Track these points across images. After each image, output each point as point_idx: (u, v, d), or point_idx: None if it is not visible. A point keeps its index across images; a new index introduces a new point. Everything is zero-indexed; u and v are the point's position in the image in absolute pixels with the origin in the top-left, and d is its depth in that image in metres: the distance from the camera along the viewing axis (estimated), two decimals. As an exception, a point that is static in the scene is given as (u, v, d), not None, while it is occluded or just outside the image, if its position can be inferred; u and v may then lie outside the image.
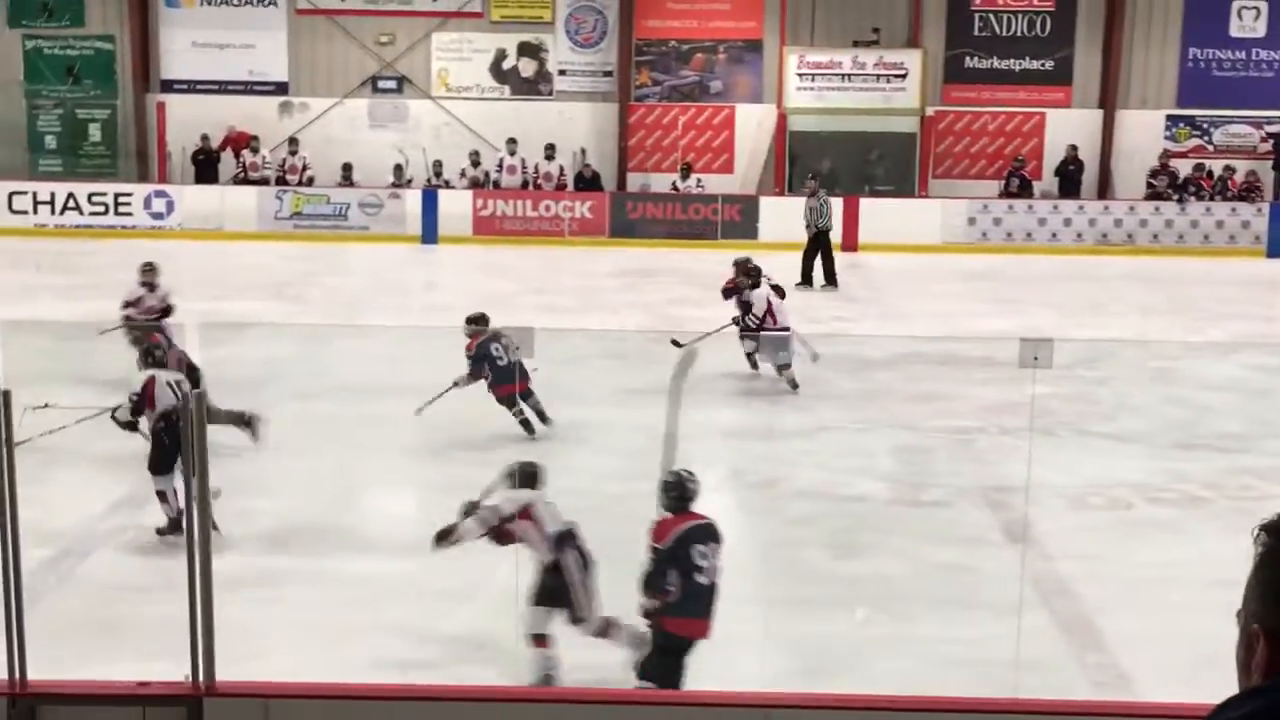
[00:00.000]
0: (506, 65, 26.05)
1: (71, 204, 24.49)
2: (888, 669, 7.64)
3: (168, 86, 26.13)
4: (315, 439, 12.12)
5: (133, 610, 8.35)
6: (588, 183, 25.15)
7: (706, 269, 20.94)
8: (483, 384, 11.93)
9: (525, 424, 11.93)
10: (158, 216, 24.49)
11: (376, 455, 11.75)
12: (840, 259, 22.34)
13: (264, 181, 24.99)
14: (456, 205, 24.09)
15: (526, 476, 8.07)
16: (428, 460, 11.75)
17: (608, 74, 25.95)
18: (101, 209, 24.43)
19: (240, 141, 25.55)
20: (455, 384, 11.91)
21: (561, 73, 26.03)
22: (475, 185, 24.90)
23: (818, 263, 20.71)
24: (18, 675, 5.83)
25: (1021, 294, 20.22)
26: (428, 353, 14.00)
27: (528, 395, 11.93)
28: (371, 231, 23.94)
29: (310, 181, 24.93)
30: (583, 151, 25.58)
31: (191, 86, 26.06)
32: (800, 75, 25.41)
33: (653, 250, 23.29)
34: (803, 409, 12.68)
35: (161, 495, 9.33)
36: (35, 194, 24.61)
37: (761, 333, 13.80)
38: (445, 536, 7.98)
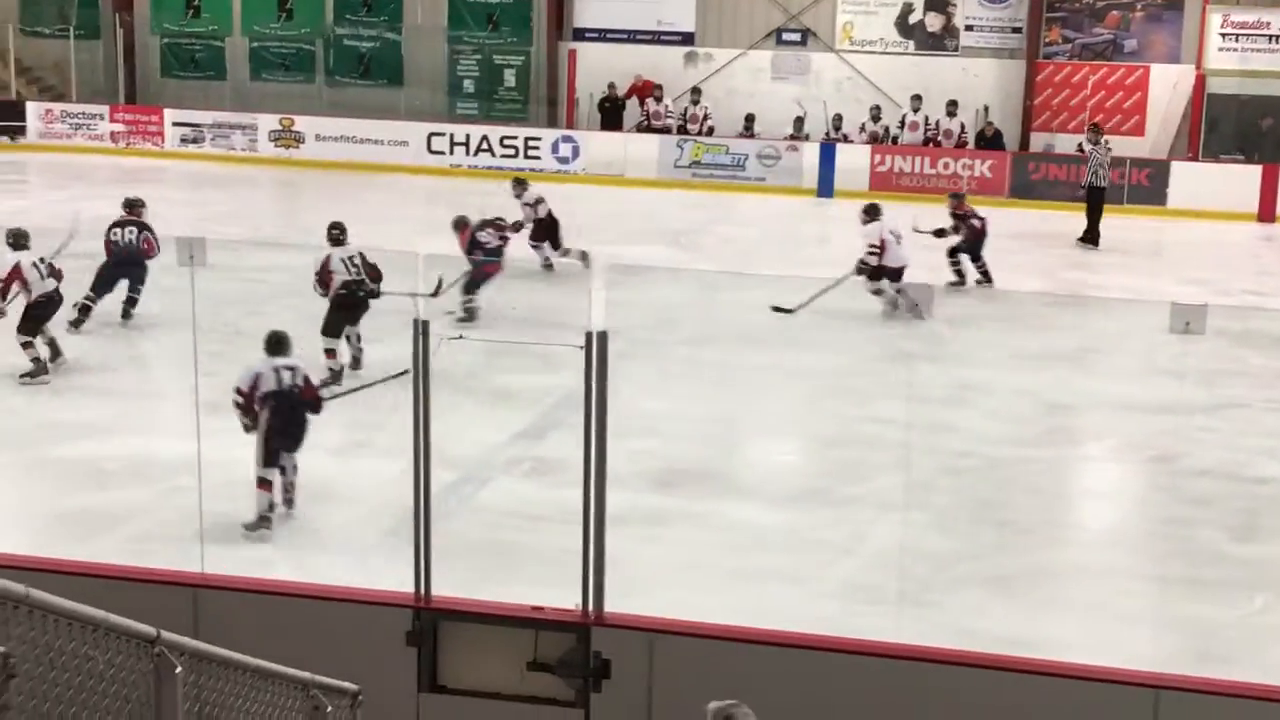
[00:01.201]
0: (913, 19, 25.68)
1: (485, 146, 25.57)
2: (1287, 660, 7.28)
3: (579, 34, 26.88)
4: (704, 384, 12.34)
5: (526, 538, 8.72)
6: (989, 141, 24.58)
7: (1109, 235, 20.27)
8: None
9: None
10: (563, 161, 25.29)
11: (765, 404, 11.87)
12: (1257, 230, 21.26)
13: (666, 130, 25.46)
14: (854, 160, 23.93)
15: (272, 344, 9.16)
16: (810, 411, 11.80)
17: (1016, 30, 25.26)
18: (512, 152, 25.40)
19: (645, 90, 26.09)
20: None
21: (969, 28, 25.49)
22: (874, 140, 24.71)
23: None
24: (423, 590, 6.20)
25: None
26: (817, 304, 14.02)
27: None
28: (768, 183, 24.06)
29: (710, 131, 25.25)
30: (985, 109, 25.00)
31: (602, 35, 26.73)
32: (1223, 35, 24.10)
33: (1053, 213, 22.59)
34: (1209, 384, 12.11)
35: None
36: (452, 135, 25.79)
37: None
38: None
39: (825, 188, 23.79)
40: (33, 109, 27.06)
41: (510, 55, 27.22)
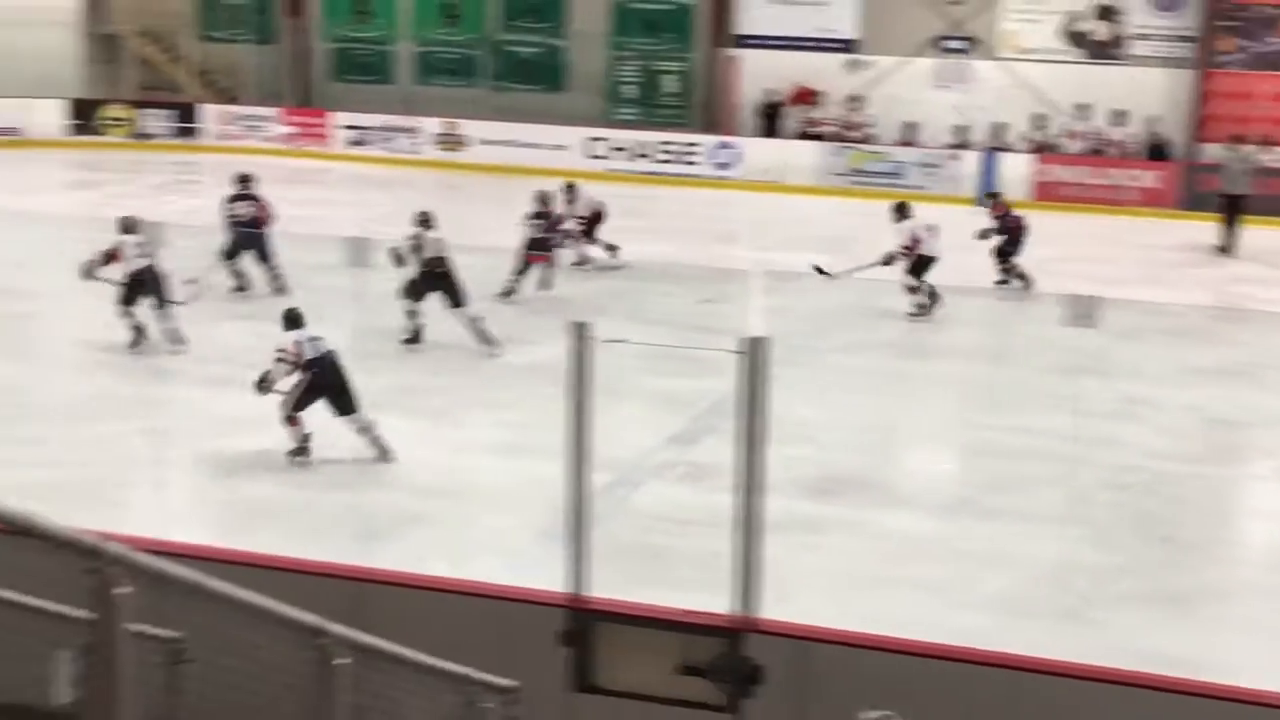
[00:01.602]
0: (1078, 28, 25.24)
1: (643, 151, 25.70)
2: None
3: (740, 41, 26.87)
4: (860, 392, 12.27)
5: (677, 541, 8.74)
6: (1157, 152, 24.08)
7: (1278, 247, 19.71)
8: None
9: None
10: (722, 167, 25.32)
11: (922, 413, 11.77)
12: None
13: (825, 137, 25.36)
14: (1016, 169, 23.61)
15: (290, 320, 10.44)
16: (969, 421, 11.67)
17: (1186, 39, 24.70)
18: (670, 158, 25.50)
19: (805, 97, 26.02)
20: None
21: (1138, 37, 24.97)
22: (1037, 149, 24.34)
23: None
24: (577, 590, 6.25)
25: None
26: (979, 313, 13.87)
27: None
28: (927, 191, 23.77)
29: (870, 139, 25.10)
30: (1154, 119, 24.48)
31: (762, 42, 26.70)
32: (1405, 43, 23.33)
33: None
34: None
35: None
36: (612, 140, 25.97)
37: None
38: (262, 383, 10.07)
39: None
40: (208, 111, 27.87)
41: (671, 62, 27.32)
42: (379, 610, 6.25)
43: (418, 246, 13.24)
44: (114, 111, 27.63)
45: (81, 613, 3.16)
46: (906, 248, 14.76)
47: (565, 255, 16.22)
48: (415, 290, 13.16)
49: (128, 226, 13.14)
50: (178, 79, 29.01)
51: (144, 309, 12.79)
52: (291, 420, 10.03)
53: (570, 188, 17.33)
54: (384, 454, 9.99)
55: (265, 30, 29.12)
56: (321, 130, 27.29)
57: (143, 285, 12.74)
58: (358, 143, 27.12)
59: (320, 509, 9.15)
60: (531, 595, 6.48)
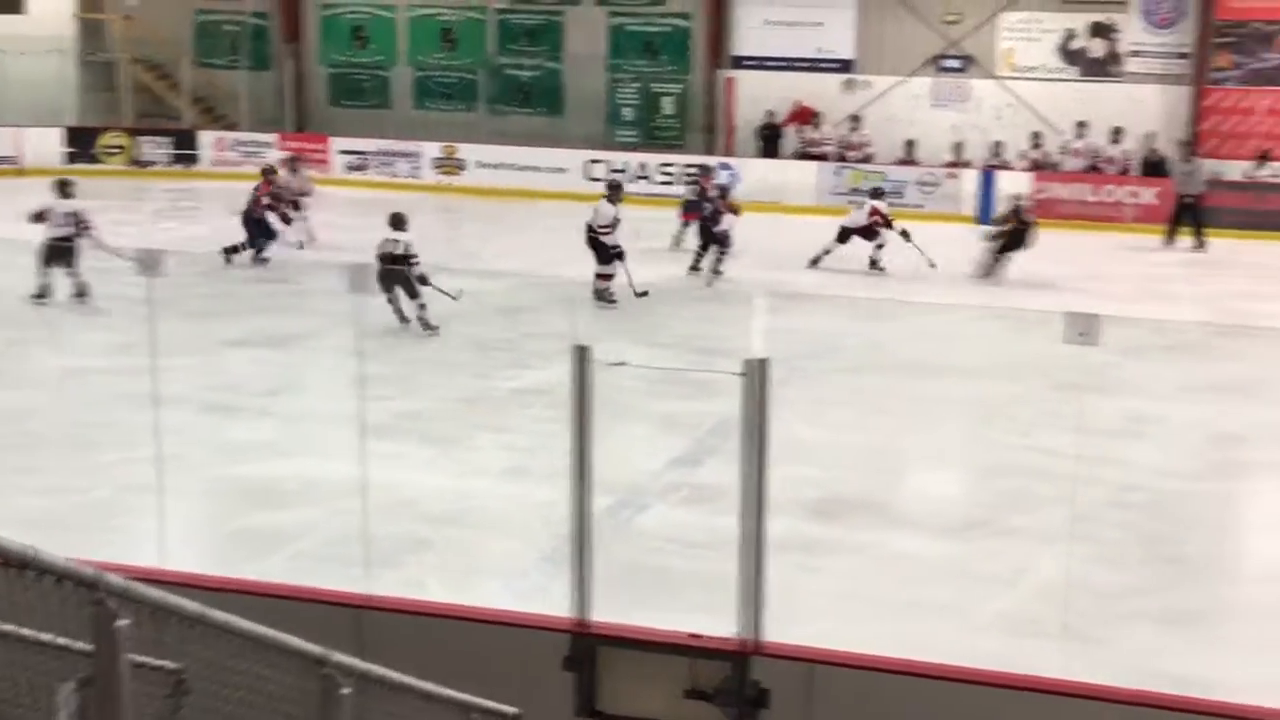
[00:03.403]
0: (1075, 45, 25.30)
1: (643, 173, 25.73)
2: None
3: (737, 63, 26.94)
4: (864, 412, 12.24)
5: (682, 564, 8.70)
6: (1154, 168, 24.10)
7: (1276, 262, 19.72)
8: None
9: None
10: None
11: (925, 433, 11.74)
12: None
13: (824, 157, 25.39)
14: (1015, 187, 23.61)
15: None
16: (972, 440, 11.65)
17: (1182, 56, 24.75)
18: (670, 179, 25.51)
19: (804, 117, 26.06)
20: None
21: (1134, 54, 25.03)
22: (1035, 167, 24.37)
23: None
24: (581, 614, 6.22)
25: None
26: (982, 332, 13.86)
27: None
28: (926, 210, 23.83)
29: (869, 158, 25.13)
30: (1151, 136, 24.52)
31: (760, 63, 26.76)
32: (1401, 57, 23.40)
33: (1221, 240, 22.07)
34: None
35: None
36: (611, 163, 25.99)
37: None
38: None
39: (985, 214, 23.49)
40: (205, 138, 27.89)
41: (669, 83, 27.38)
42: (382, 638, 6.23)
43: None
44: (111, 139, 27.66)
45: (82, 645, 3.14)
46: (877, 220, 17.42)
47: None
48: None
49: (63, 192, 14.58)
50: (175, 106, 29.03)
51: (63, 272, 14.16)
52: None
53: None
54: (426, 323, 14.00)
55: (262, 56, 29.21)
56: (319, 156, 27.31)
57: (58, 253, 13.25)
58: (357, 168, 27.16)
59: (322, 536, 9.11)
60: (535, 620, 6.45)
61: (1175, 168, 22.15)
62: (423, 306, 14.51)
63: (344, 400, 9.99)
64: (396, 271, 14.55)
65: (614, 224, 16.14)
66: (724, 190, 19.31)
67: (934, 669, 5.93)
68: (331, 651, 3.96)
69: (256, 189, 18.24)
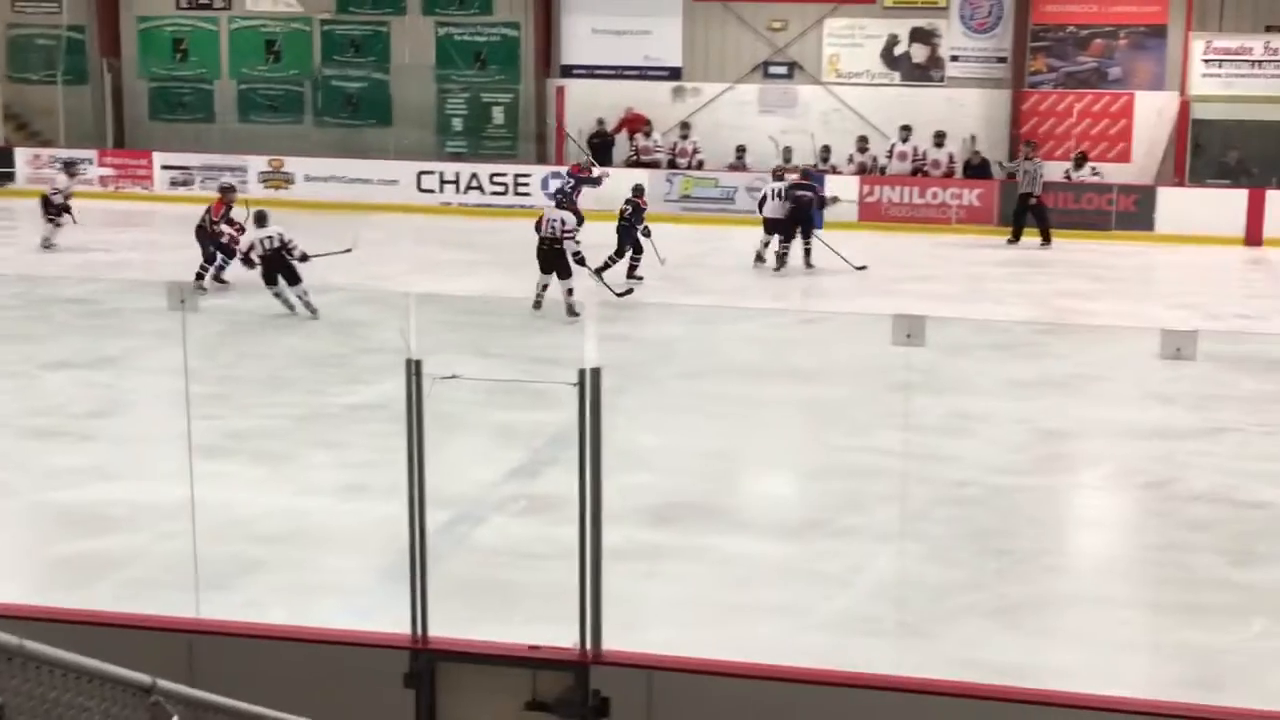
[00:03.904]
0: (898, 51, 25.80)
1: (474, 183, 25.62)
2: (1287, 686, 7.25)
3: (567, 71, 26.99)
4: (700, 417, 12.32)
5: (522, 576, 8.67)
6: (976, 170, 24.68)
7: (1098, 260, 20.35)
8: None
9: None
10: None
11: (760, 436, 11.86)
12: (1243, 254, 21.49)
13: (655, 164, 25.53)
14: (842, 191, 23.95)
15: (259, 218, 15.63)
16: (806, 442, 11.79)
17: (1001, 60, 25.38)
18: (501, 189, 25.46)
19: (635, 124, 26.18)
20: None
21: (954, 59, 25.61)
22: (862, 171, 24.79)
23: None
24: (420, 631, 6.16)
25: None
26: (813, 335, 14.04)
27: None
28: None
29: (700, 165, 25.33)
30: (972, 139, 25.10)
31: (590, 71, 26.85)
32: (1206, 61, 24.25)
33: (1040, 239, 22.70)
34: (1202, 409, 12.13)
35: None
36: (442, 174, 25.85)
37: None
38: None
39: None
40: (21, 155, 27.11)
41: (498, 93, 27.32)
42: (214, 664, 6.10)
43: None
44: (-79, 158, 26.77)
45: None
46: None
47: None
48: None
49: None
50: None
51: None
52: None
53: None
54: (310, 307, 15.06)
55: (79, 70, 28.48)
56: (141, 172, 26.73)
57: None
58: (181, 183, 26.62)
59: (152, 561, 8.90)
60: (373, 639, 6.37)
61: (1020, 167, 22.60)
62: (305, 291, 15.33)
63: (171, 421, 9.79)
64: (277, 262, 15.33)
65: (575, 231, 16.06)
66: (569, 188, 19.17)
67: (771, 670, 5.98)
68: (159, 679, 3.86)
69: (209, 209, 17.64)
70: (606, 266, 17.37)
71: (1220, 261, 21.21)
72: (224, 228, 17.26)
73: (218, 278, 17.28)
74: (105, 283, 17.31)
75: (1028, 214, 22.47)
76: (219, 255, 17.26)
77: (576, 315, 15.20)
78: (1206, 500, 10.15)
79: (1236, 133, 24.73)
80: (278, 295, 15.37)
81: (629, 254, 17.88)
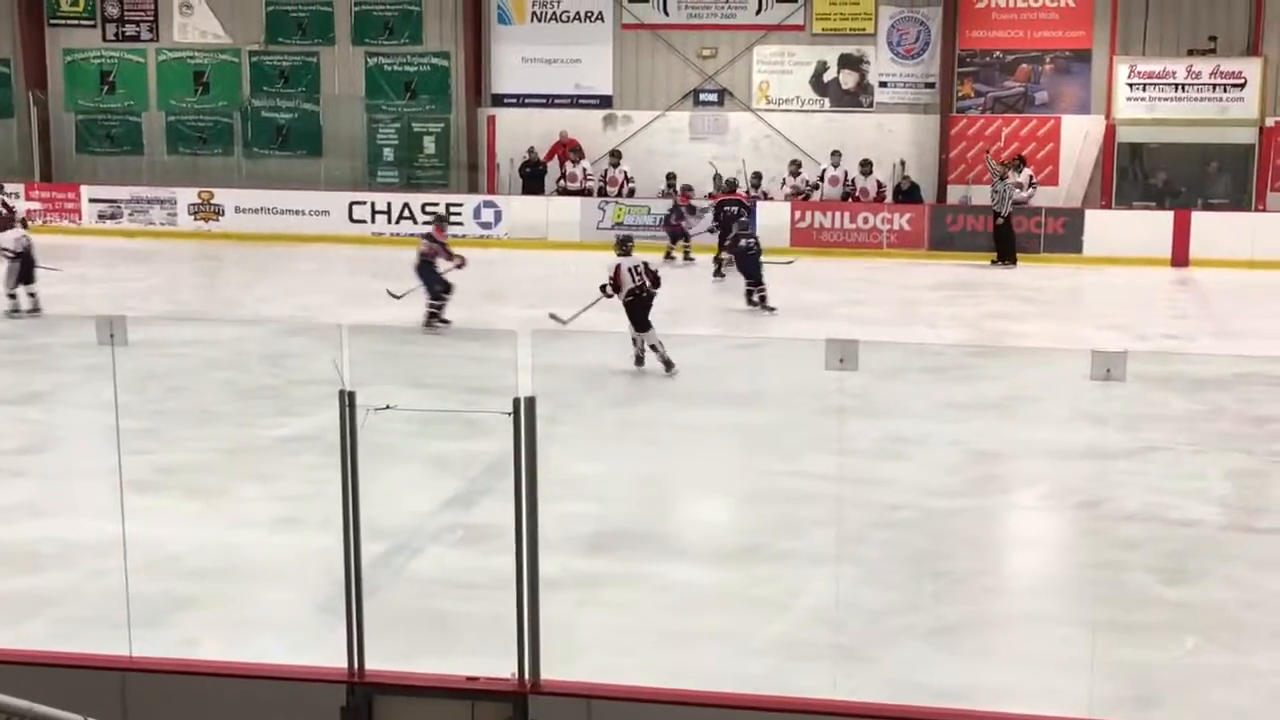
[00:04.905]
0: (827, 78, 25.99)
1: (406, 213, 25.53)
2: (1220, 701, 7.33)
3: (498, 100, 26.99)
4: (635, 445, 12.33)
5: (460, 606, 8.62)
6: (906, 195, 24.89)
7: (1028, 283, 20.56)
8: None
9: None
10: (486, 226, 25.32)
11: (696, 463, 11.87)
12: (1170, 274, 21.81)
13: (587, 193, 25.56)
14: (775, 217, 24.09)
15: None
16: (742, 468, 11.81)
17: (929, 86, 25.63)
18: (434, 219, 25.33)
19: (565, 150, 26.17)
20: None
21: (882, 85, 25.83)
22: (796, 194, 24.93)
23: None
24: (356, 665, 6.12)
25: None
26: (746, 361, 14.07)
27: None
28: (696, 242, 24.15)
29: (632, 193, 25.38)
30: (902, 164, 25.32)
31: (520, 100, 26.86)
32: (1131, 85, 24.61)
33: (973, 264, 22.93)
34: (1133, 429, 12.26)
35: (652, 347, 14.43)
36: (373, 204, 25.76)
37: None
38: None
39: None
40: (-55, 189, 26.78)
41: (429, 123, 27.27)
42: (148, 702, 6.03)
43: None
44: None
45: None
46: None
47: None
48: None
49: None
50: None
51: None
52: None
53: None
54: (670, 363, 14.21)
55: (4, 103, 28.23)
56: (70, 205, 26.48)
57: None
58: (109, 216, 26.39)
59: (83, 599, 8.78)
60: (309, 673, 6.32)
61: (993, 188, 23.39)
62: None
63: (101, 456, 9.68)
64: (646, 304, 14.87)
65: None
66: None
67: (710, 697, 5.99)
68: (91, 718, 3.82)
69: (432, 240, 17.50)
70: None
71: (1148, 283, 21.50)
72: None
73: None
74: (32, 318, 17.14)
75: (997, 232, 23.20)
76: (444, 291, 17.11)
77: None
78: (1138, 519, 10.25)
79: (1162, 155, 25.11)
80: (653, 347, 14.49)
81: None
